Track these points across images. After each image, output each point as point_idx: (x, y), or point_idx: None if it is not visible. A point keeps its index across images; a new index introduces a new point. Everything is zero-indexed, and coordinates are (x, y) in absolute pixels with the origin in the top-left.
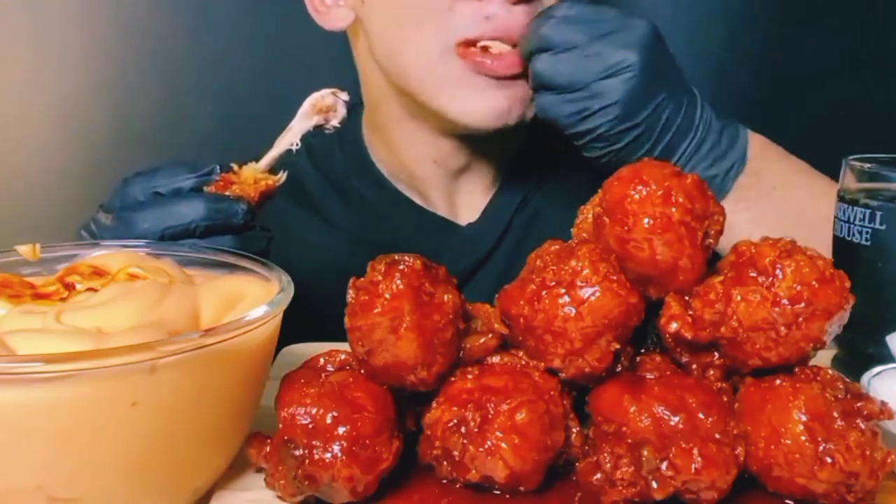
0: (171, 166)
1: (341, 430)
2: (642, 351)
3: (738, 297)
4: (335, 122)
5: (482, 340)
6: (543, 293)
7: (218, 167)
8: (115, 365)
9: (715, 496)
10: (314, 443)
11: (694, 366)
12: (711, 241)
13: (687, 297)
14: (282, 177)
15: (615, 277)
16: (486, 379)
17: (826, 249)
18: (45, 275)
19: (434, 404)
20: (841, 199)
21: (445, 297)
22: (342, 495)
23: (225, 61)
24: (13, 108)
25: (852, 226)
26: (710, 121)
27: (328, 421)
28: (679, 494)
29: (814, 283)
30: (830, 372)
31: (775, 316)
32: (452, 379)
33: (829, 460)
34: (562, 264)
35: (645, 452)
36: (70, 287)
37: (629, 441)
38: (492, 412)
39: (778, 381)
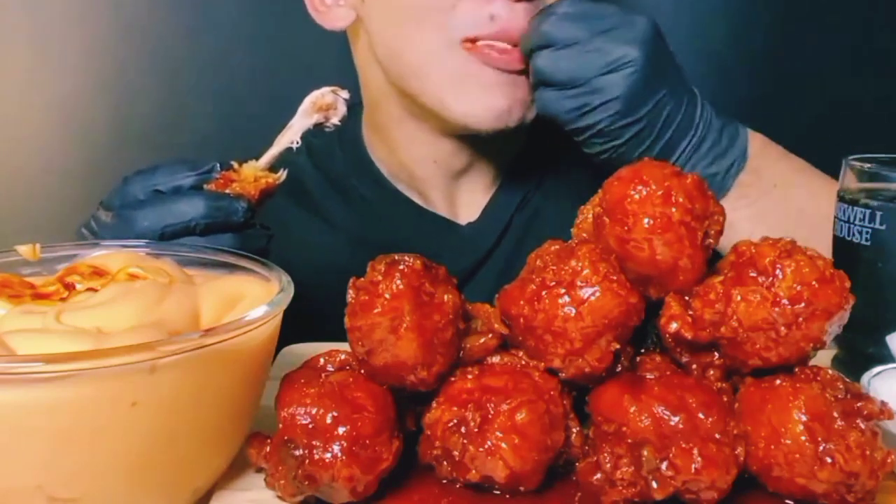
0: (171, 164)
1: (341, 430)
2: (642, 351)
3: (738, 297)
4: (335, 120)
5: (482, 340)
6: (543, 293)
7: (218, 165)
8: (115, 365)
9: (715, 496)
10: (314, 443)
11: (694, 366)
12: (711, 241)
13: (687, 297)
14: (282, 175)
15: (615, 277)
16: (486, 379)
17: (826, 248)
18: (45, 275)
19: (434, 404)
20: (841, 199)
21: (445, 297)
22: (342, 495)
23: (225, 61)
24: (13, 108)
25: (852, 226)
26: (710, 119)
27: (328, 421)
28: (679, 494)
29: (814, 283)
30: (830, 372)
31: (775, 316)
32: (452, 379)
33: (829, 460)
34: (562, 264)
35: (645, 452)
36: (70, 287)
37: (629, 441)
38: (492, 412)
39: (778, 381)
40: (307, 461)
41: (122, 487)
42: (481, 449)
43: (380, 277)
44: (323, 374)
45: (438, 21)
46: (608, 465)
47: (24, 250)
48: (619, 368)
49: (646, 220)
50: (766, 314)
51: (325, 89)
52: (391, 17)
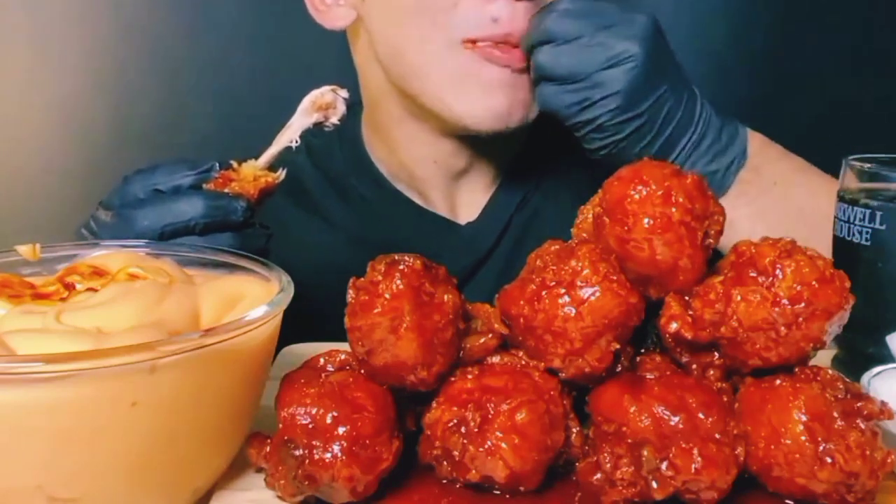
0: (170, 164)
1: (341, 430)
2: (642, 351)
3: (738, 297)
4: (335, 120)
5: (482, 340)
6: (543, 293)
7: (217, 164)
8: (115, 365)
9: (715, 496)
10: (314, 443)
11: (694, 366)
12: (711, 241)
13: (687, 297)
14: (281, 174)
15: (615, 277)
16: (486, 379)
17: (827, 247)
18: (45, 275)
19: (434, 404)
20: (841, 199)
21: (445, 297)
22: (342, 495)
23: (225, 61)
24: (13, 108)
25: (852, 226)
26: (709, 118)
27: (328, 421)
28: (679, 494)
29: (814, 283)
30: (830, 372)
31: (775, 316)
32: (452, 379)
33: (829, 460)
34: (562, 264)
35: (645, 452)
36: (70, 287)
37: (629, 441)
38: (492, 412)
39: (778, 381)
40: (307, 461)
41: (122, 487)
42: (481, 449)
43: (380, 277)
44: (323, 374)
45: (439, 21)
46: (608, 465)
47: (24, 250)
48: (619, 368)
49: (646, 220)
50: (766, 314)
51: (325, 88)
52: (392, 17)
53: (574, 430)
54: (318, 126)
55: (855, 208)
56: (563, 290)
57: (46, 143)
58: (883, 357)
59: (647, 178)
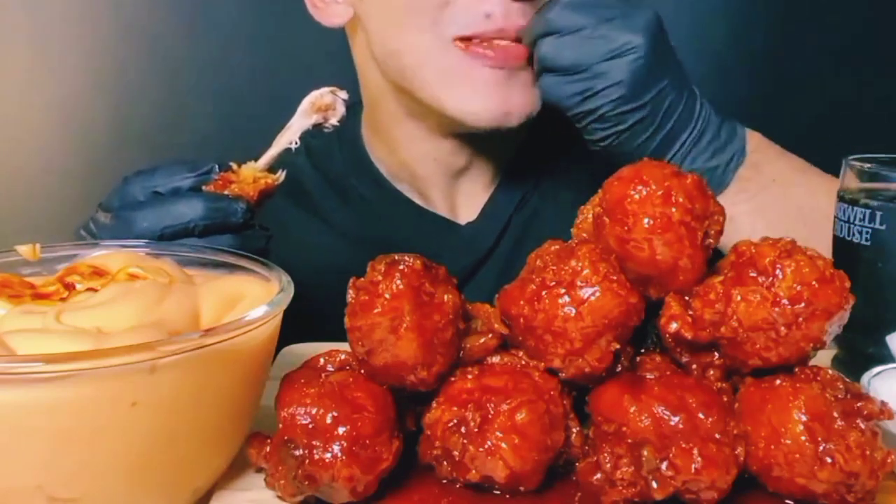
0: (170, 165)
1: (341, 430)
2: (642, 351)
3: (738, 297)
4: (334, 121)
5: (482, 340)
6: (543, 293)
7: (217, 166)
8: (115, 365)
9: (715, 496)
10: (314, 443)
11: (694, 366)
12: (711, 241)
13: (687, 297)
14: (281, 175)
15: (615, 277)
16: (486, 379)
17: (826, 244)
18: (45, 275)
19: (434, 404)
20: (841, 199)
21: (445, 297)
22: (342, 495)
23: (225, 61)
24: (13, 108)
25: (852, 226)
26: (708, 116)
27: (328, 421)
28: (679, 494)
29: (814, 283)
30: (830, 372)
31: (775, 316)
32: (452, 379)
33: (829, 460)
34: (562, 264)
35: (645, 452)
36: (70, 287)
37: (629, 441)
38: (492, 412)
39: (778, 381)
40: (307, 461)
41: (122, 487)
42: (481, 449)
43: (380, 277)
44: (323, 374)
45: (433, 18)
46: (608, 465)
47: (24, 250)
48: (619, 368)
49: (646, 220)
50: (766, 314)
51: (324, 90)
52: (387, 15)
53: (574, 430)
54: (317, 127)
55: (855, 208)
56: (563, 290)
57: (46, 143)
58: (883, 357)
59: (647, 178)
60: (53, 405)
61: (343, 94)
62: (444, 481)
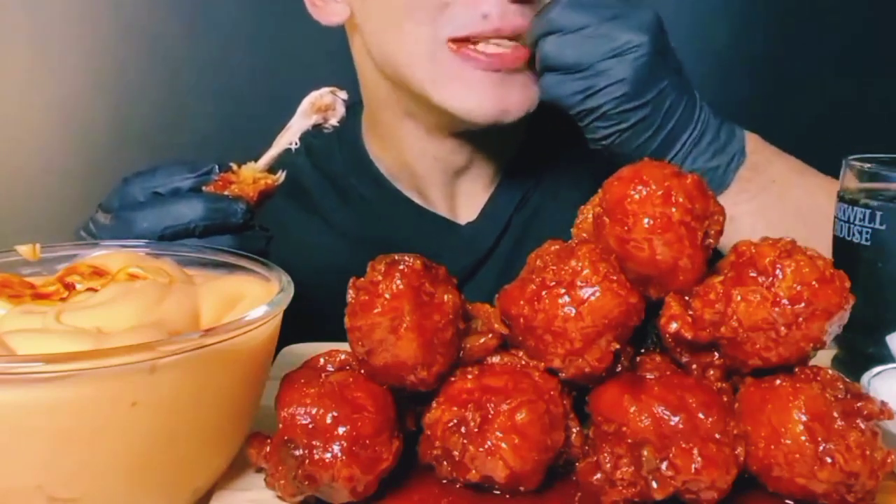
0: (170, 166)
1: (341, 430)
2: (642, 351)
3: (738, 297)
4: (334, 121)
5: (482, 340)
6: (543, 293)
7: (217, 167)
8: (115, 365)
9: (715, 496)
10: (314, 443)
11: (694, 366)
12: (711, 241)
13: (687, 297)
14: (281, 176)
15: (615, 277)
16: (486, 379)
17: (826, 245)
18: (45, 275)
19: (434, 404)
20: (841, 199)
21: (445, 297)
22: (342, 495)
23: (225, 61)
24: (13, 108)
25: (852, 226)
26: (708, 117)
27: (328, 421)
28: (679, 494)
29: (814, 283)
30: (830, 372)
31: (775, 316)
32: (452, 379)
33: (829, 460)
34: (562, 264)
35: (645, 452)
36: (70, 287)
37: (629, 441)
38: (492, 412)
39: (778, 381)
40: (307, 461)
41: (122, 487)
42: (481, 449)
43: (380, 277)
44: (323, 374)
45: (429, 19)
46: (608, 465)
47: (24, 250)
48: (619, 368)
49: (646, 220)
50: (766, 314)
51: (324, 90)
52: (385, 13)
53: (574, 430)
54: (317, 128)
55: (855, 208)
56: (563, 290)
57: (46, 143)
58: (883, 357)
59: (647, 178)
60: (53, 405)
61: (343, 95)
62: (444, 481)
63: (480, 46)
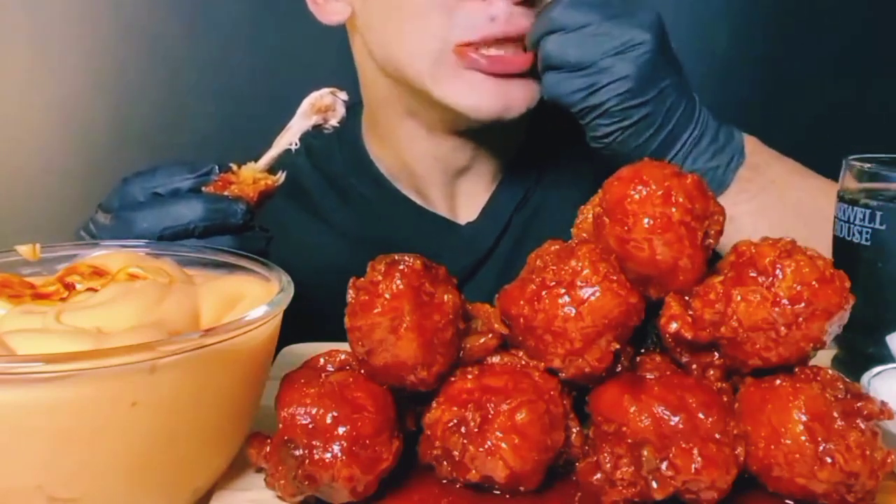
0: (169, 166)
1: (341, 430)
2: (642, 351)
3: (738, 297)
4: (334, 122)
5: (482, 340)
6: (543, 293)
7: (216, 167)
8: (115, 365)
9: (715, 496)
10: (314, 443)
11: (694, 366)
12: (711, 241)
13: (687, 297)
14: (281, 177)
15: (615, 277)
16: (486, 379)
17: (826, 245)
18: (45, 275)
19: (434, 404)
20: (841, 199)
21: (445, 297)
22: (342, 495)
23: (225, 61)
24: (13, 108)
25: (852, 226)
26: (707, 119)
27: (328, 421)
28: (679, 494)
29: (814, 283)
30: (830, 372)
31: (775, 316)
32: (452, 379)
33: (829, 460)
34: (562, 264)
35: (645, 452)
36: (70, 287)
37: (629, 441)
38: (492, 412)
39: (778, 381)
40: (307, 461)
41: (122, 487)
42: (481, 449)
43: (380, 277)
44: (323, 374)
45: (440, 20)
46: (608, 465)
47: (24, 250)
48: (619, 368)
49: (646, 220)
50: (766, 314)
51: (324, 91)
52: (390, 14)
53: (574, 430)
54: (317, 128)
55: (855, 208)
56: (563, 290)
57: (46, 143)
58: (883, 357)
59: (647, 178)
60: (53, 405)
61: (343, 95)
62: (444, 481)
63: (483, 51)
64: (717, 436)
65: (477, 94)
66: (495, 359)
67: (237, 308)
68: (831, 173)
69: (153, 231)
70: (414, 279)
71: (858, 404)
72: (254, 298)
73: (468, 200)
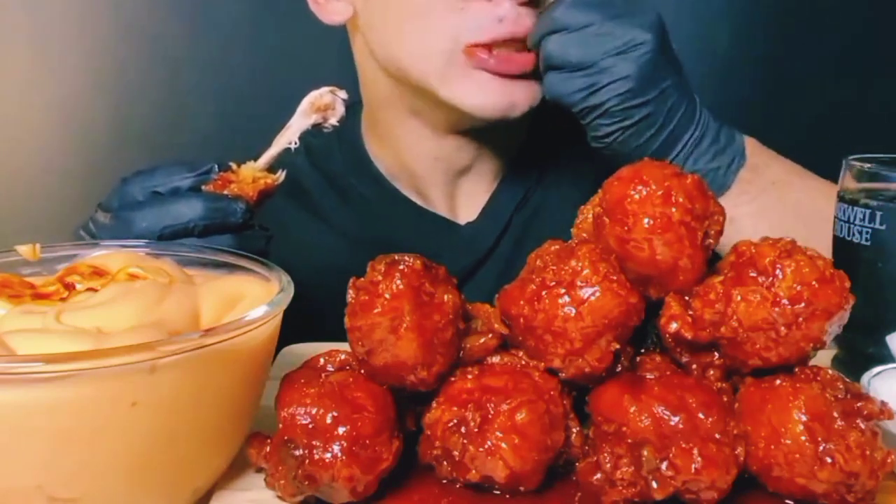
0: (169, 165)
1: (341, 430)
2: (642, 351)
3: (738, 297)
4: (334, 121)
5: (482, 340)
6: (543, 293)
7: (216, 166)
8: (115, 365)
9: (715, 496)
10: (314, 443)
11: (694, 366)
12: (711, 241)
13: (687, 297)
14: (280, 175)
15: (615, 277)
16: (486, 379)
17: (826, 246)
18: (45, 275)
19: (434, 404)
20: (841, 199)
21: (445, 297)
22: (342, 495)
23: (225, 61)
24: (13, 108)
25: (852, 226)
26: (707, 120)
27: (328, 421)
28: (679, 494)
29: (814, 283)
30: (830, 372)
31: (775, 316)
32: (452, 379)
33: (829, 460)
34: (562, 264)
35: (645, 452)
36: (70, 287)
37: (629, 441)
38: (492, 412)
39: (778, 381)
40: (307, 461)
41: (122, 487)
42: (481, 449)
43: (380, 277)
44: (323, 374)
45: (447, 22)
46: (608, 465)
47: (24, 250)
48: (619, 368)
49: (646, 220)
50: (766, 314)
51: (324, 90)
52: (393, 15)
53: (574, 430)
54: (316, 127)
55: (855, 208)
56: (563, 290)
57: (46, 143)
58: (883, 357)
59: (647, 178)
60: (53, 405)
61: (343, 94)
62: (444, 481)
63: (493, 51)
64: (717, 436)
65: (483, 93)
66: (495, 359)
67: (237, 308)
68: (831, 173)
69: (153, 230)
70: (414, 279)
71: (858, 404)
72: (254, 298)
73: (468, 200)
